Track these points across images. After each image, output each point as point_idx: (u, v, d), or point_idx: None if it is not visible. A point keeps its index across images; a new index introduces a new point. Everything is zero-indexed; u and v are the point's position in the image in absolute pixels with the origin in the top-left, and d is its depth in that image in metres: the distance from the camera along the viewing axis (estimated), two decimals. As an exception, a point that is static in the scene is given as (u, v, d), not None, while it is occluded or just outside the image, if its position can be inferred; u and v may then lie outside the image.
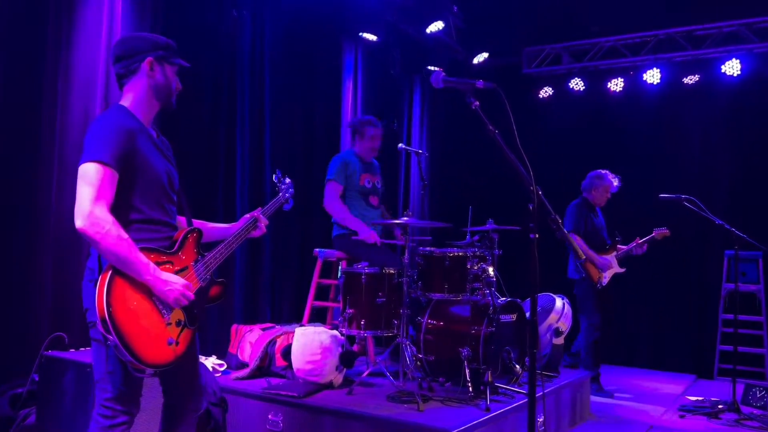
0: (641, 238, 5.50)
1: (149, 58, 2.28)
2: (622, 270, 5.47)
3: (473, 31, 7.44)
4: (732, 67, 6.65)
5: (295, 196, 2.93)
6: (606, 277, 5.34)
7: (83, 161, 2.08)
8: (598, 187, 5.54)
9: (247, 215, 2.66)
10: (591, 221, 5.48)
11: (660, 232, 5.51)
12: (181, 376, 2.39)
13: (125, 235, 2.07)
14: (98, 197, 2.04)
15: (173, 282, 2.16)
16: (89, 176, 2.05)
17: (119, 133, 2.13)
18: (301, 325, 4.17)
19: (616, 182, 5.60)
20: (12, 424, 3.16)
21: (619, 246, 5.49)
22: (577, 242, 5.24)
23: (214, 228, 2.61)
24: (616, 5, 6.68)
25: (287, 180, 2.92)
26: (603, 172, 5.59)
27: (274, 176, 2.93)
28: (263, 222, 2.67)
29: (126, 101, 2.30)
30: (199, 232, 2.40)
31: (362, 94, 6.51)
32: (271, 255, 5.37)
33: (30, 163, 3.62)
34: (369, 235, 4.42)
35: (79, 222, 2.03)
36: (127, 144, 2.14)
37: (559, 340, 4.61)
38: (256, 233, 2.66)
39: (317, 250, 4.76)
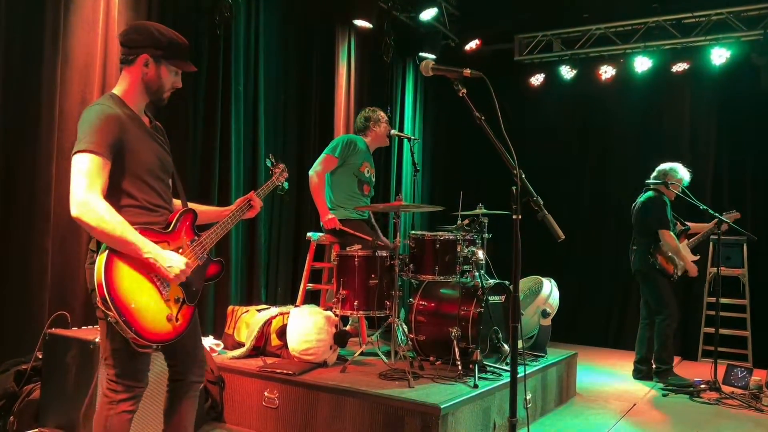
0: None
1: (145, 55, 2.32)
2: (697, 257, 5.45)
3: (466, 18, 7.51)
4: (720, 55, 6.76)
5: (289, 182, 3.03)
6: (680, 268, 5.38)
7: (75, 151, 2.15)
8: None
9: (242, 197, 2.75)
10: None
11: (731, 215, 5.41)
12: (185, 350, 2.48)
13: (120, 218, 2.14)
14: (91, 185, 2.11)
15: (173, 258, 2.24)
16: (81, 166, 2.13)
17: (108, 122, 2.20)
18: (296, 306, 4.28)
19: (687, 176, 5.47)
20: (17, 399, 3.26)
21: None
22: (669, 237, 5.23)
23: (209, 210, 2.69)
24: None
25: (281, 165, 3.00)
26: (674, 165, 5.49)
27: (267, 161, 3.02)
28: (258, 202, 2.75)
29: (119, 88, 2.36)
30: (194, 212, 2.48)
31: (355, 80, 6.57)
32: (266, 239, 5.47)
33: (31, 148, 3.70)
34: (327, 221, 4.57)
35: (74, 210, 2.10)
36: (116, 132, 2.21)
37: (547, 321, 4.74)
38: (250, 213, 2.75)
39: (310, 233, 4.86)
